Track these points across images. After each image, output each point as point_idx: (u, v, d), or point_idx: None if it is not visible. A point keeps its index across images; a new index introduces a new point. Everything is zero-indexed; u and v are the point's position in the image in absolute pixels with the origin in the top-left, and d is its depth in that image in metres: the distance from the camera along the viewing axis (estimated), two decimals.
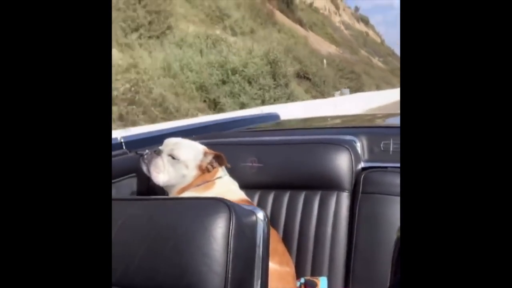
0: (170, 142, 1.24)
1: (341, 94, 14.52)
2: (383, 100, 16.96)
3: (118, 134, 1.51)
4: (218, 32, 14.38)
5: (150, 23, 10.70)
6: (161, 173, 1.17)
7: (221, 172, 1.29)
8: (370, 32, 54.98)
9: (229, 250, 0.74)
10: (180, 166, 1.18)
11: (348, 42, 37.32)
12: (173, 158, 1.18)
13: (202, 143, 1.39)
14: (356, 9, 56.85)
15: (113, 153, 1.39)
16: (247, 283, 0.79)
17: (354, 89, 18.19)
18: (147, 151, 1.34)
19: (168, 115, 8.13)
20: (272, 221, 1.33)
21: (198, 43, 11.20)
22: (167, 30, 11.03)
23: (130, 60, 8.70)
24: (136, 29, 10.27)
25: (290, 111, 7.75)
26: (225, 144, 1.44)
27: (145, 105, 7.74)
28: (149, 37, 10.45)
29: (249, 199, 1.29)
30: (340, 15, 46.09)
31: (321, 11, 36.93)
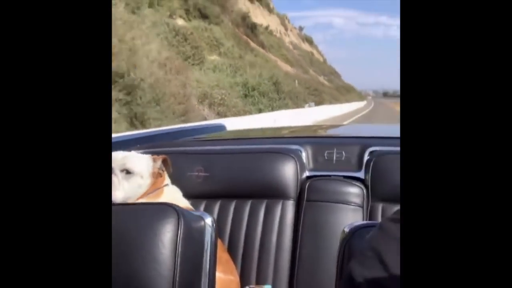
0: (116, 157, 1.17)
1: (309, 106, 19.88)
2: (339, 110, 23.18)
3: None
4: (217, 57, 19.14)
5: (193, 55, 15.03)
6: (117, 190, 1.13)
7: (167, 179, 1.24)
8: (314, 52, 61.03)
9: (177, 254, 0.73)
10: (135, 178, 1.14)
11: (299, 62, 42.02)
12: (127, 172, 1.14)
13: (148, 152, 1.35)
14: (301, 29, 61.31)
15: None
16: (195, 283, 0.78)
17: (318, 103, 23.68)
18: None
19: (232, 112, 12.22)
20: (218, 230, 1.26)
21: (223, 68, 15.96)
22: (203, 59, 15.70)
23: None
24: (186, 59, 14.03)
25: (282, 115, 11.85)
26: (171, 153, 1.38)
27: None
28: (193, 65, 14.30)
29: (193, 208, 1.24)
30: (288, 36, 47.87)
31: (274, 33, 42.24)
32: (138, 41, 8.94)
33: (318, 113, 16.55)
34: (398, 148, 1.08)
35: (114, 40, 7.43)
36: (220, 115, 11.44)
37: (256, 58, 22.74)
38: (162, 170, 1.20)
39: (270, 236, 1.25)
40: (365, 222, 0.68)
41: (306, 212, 1.24)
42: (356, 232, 0.70)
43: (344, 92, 46.04)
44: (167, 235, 0.74)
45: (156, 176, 1.19)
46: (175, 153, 1.38)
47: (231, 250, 1.26)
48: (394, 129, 1.77)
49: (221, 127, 2.20)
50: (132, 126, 7.40)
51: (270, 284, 1.22)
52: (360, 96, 56.05)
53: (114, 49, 7.24)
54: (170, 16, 16.66)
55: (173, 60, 12.13)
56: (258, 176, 1.29)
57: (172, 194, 1.22)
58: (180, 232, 0.74)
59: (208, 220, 0.83)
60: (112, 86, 7.87)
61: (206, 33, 19.29)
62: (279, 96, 15.98)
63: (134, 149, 1.38)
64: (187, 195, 1.27)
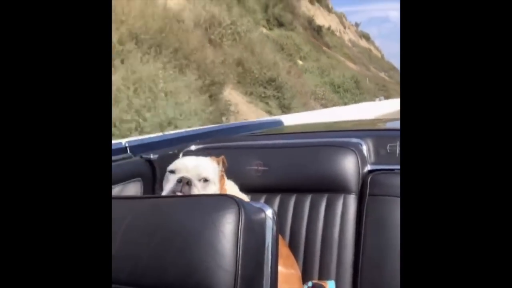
0: (188, 165, 1.11)
1: (380, 100, 23.54)
2: None
3: (123, 139, 1.43)
4: (300, 61, 23.02)
5: (289, 61, 17.34)
6: None
7: (225, 177, 1.19)
8: (372, 48, 62.23)
9: (238, 246, 0.70)
10: (211, 186, 1.11)
11: (360, 59, 44.33)
12: (205, 180, 1.10)
13: (207, 148, 1.34)
14: (357, 25, 58.51)
15: (118, 157, 1.32)
16: (256, 280, 0.75)
17: (386, 97, 25.07)
18: (152, 155, 1.31)
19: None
20: (278, 224, 1.18)
21: (313, 71, 19.01)
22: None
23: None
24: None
25: (362, 107, 15.03)
26: (229, 148, 1.35)
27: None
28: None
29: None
30: (347, 34, 46.62)
31: (335, 33, 44.94)
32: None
33: (388, 105, 19.91)
34: None
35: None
36: (323, 106, 14.79)
37: (330, 60, 26.07)
38: (223, 171, 1.16)
39: (332, 230, 1.19)
40: None
41: (369, 207, 1.18)
42: None
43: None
44: (227, 226, 0.71)
45: (221, 178, 1.15)
46: (234, 148, 1.35)
47: (293, 245, 1.20)
48: None
49: (279, 123, 2.12)
50: (283, 112, 10.79)
51: (333, 279, 1.15)
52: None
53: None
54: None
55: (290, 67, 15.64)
56: (318, 170, 1.23)
57: (234, 190, 1.18)
58: (241, 223, 0.71)
59: (269, 212, 0.79)
60: (268, 86, 11.24)
61: (288, 40, 23.03)
62: (359, 91, 19.72)
63: (195, 144, 1.41)
64: (246, 190, 1.23)
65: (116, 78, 5.64)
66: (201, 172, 1.10)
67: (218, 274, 0.70)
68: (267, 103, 11.39)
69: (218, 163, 1.16)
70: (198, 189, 1.08)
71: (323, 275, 1.18)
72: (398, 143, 1.30)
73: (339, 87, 17.99)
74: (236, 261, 0.71)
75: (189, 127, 4.66)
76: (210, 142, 1.44)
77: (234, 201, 0.74)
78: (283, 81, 12.07)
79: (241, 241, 0.71)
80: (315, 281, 1.16)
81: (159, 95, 6.08)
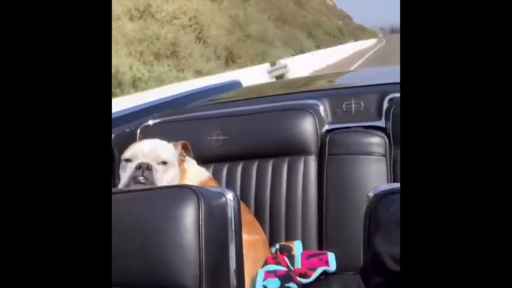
0: (142, 150, 1.07)
1: (351, 42, 29.11)
2: (367, 43, 34.14)
3: None
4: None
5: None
6: (164, 183, 1.05)
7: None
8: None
9: (200, 236, 0.70)
10: (170, 169, 1.08)
11: (323, 11, 52.92)
12: (164, 163, 1.07)
13: (165, 122, 1.33)
14: None
15: None
16: (222, 265, 0.75)
17: (355, 40, 32.85)
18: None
19: None
20: (242, 192, 1.25)
21: None
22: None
23: None
24: None
25: (348, 45, 23.87)
26: (188, 120, 1.35)
27: None
28: None
29: (214, 180, 1.20)
30: None
31: None
32: None
33: (359, 44, 28.46)
34: None
35: None
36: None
37: (312, 15, 36.39)
38: (184, 156, 1.14)
39: (296, 192, 1.22)
40: (389, 186, 0.64)
41: (329, 166, 1.21)
42: (380, 200, 0.63)
43: (361, 32, 51.19)
44: (188, 219, 0.70)
45: (180, 163, 1.12)
46: (193, 119, 1.34)
47: (258, 210, 1.23)
48: None
49: (236, 84, 2.12)
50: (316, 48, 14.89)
51: (300, 239, 1.19)
52: (373, 34, 63.18)
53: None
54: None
55: None
56: (278, 134, 1.25)
57: (194, 167, 1.17)
58: (201, 213, 0.71)
59: (229, 195, 0.79)
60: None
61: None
62: (342, 36, 30.23)
63: (152, 119, 1.37)
64: (208, 160, 1.25)
65: None
66: (160, 154, 1.08)
67: (183, 267, 0.70)
68: None
69: (176, 147, 1.13)
70: (159, 172, 1.05)
71: (290, 236, 1.21)
72: (353, 101, 1.33)
73: (330, 34, 28.25)
74: (200, 252, 0.70)
75: None
76: (168, 115, 1.42)
77: (192, 191, 0.73)
78: None
79: (203, 232, 0.71)
80: (283, 242, 1.19)
81: None
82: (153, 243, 0.71)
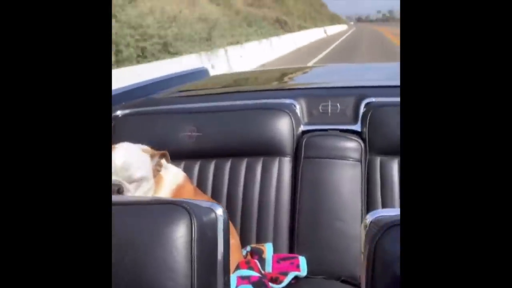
0: (115, 163, 0.98)
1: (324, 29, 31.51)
2: (339, 28, 38.34)
3: None
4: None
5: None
6: None
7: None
8: None
9: (193, 259, 0.67)
10: (143, 185, 1.01)
11: None
12: (135, 181, 0.99)
13: (135, 113, 1.26)
14: None
15: None
16: (212, 285, 0.72)
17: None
18: None
19: None
20: (214, 191, 1.21)
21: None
22: None
23: None
24: None
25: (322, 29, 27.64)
26: (161, 113, 1.29)
27: None
28: None
29: (189, 179, 1.15)
30: None
31: None
32: None
33: (329, 30, 30.30)
34: (395, 99, 1.15)
35: None
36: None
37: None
38: (160, 165, 1.06)
39: (268, 193, 1.20)
40: (389, 212, 0.60)
41: (304, 169, 1.19)
42: (388, 229, 0.58)
43: (336, 19, 55.24)
44: (180, 240, 0.67)
45: (155, 173, 1.05)
46: (165, 113, 1.29)
47: (230, 210, 1.19)
48: (388, 71, 1.85)
49: (203, 72, 2.06)
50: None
51: (271, 242, 1.17)
52: (345, 21, 71.28)
53: None
54: None
55: None
56: (253, 133, 1.22)
57: (171, 172, 1.11)
58: (194, 234, 0.67)
59: (219, 211, 0.76)
60: None
61: None
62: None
63: (120, 109, 1.30)
64: (181, 156, 1.20)
65: None
66: (132, 174, 0.99)
67: None
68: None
69: (153, 157, 1.05)
70: (131, 192, 0.98)
71: (261, 239, 1.18)
72: (329, 102, 1.30)
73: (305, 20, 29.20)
74: (192, 274, 0.66)
75: None
76: (137, 106, 1.35)
77: (185, 209, 0.68)
78: None
79: (195, 253, 0.67)
80: (254, 245, 1.16)
81: None
82: (142, 264, 0.65)
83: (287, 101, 1.32)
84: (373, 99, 1.27)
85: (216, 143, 1.24)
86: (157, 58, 7.27)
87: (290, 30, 19.10)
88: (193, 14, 10.75)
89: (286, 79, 2.07)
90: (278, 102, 1.31)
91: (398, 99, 1.30)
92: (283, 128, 1.22)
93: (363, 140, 1.21)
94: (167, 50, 7.77)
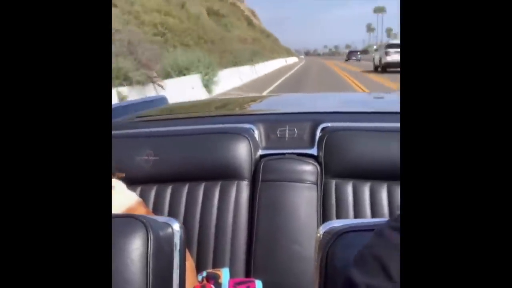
0: None
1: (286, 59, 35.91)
2: (293, 60, 43.74)
3: None
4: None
5: None
6: None
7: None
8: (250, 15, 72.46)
9: (148, 272, 0.68)
10: None
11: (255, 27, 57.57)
12: None
13: None
14: None
15: None
16: None
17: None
18: None
19: None
20: (170, 215, 1.18)
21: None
22: None
23: None
24: None
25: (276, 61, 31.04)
26: (118, 137, 1.26)
27: None
28: None
29: (143, 203, 1.13)
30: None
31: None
32: None
33: (289, 60, 36.58)
34: (349, 124, 1.24)
35: None
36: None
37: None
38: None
39: (226, 218, 1.19)
40: (341, 222, 0.65)
41: (262, 192, 1.19)
42: (339, 236, 0.63)
43: (287, 52, 58.53)
44: (136, 252, 0.68)
45: None
46: (122, 137, 1.27)
47: (186, 235, 1.11)
48: (340, 99, 2.02)
49: (162, 100, 2.05)
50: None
51: (227, 266, 1.15)
52: (296, 54, 77.03)
53: None
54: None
55: None
56: (211, 157, 1.22)
57: (121, 190, 1.09)
58: (150, 247, 0.68)
59: (176, 226, 0.77)
60: None
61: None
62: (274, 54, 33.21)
63: None
64: (137, 181, 1.18)
65: None
66: None
67: None
68: None
69: None
70: None
71: (218, 263, 1.16)
72: (287, 127, 1.33)
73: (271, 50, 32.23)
74: (147, 287, 0.68)
75: None
76: None
77: (141, 222, 0.69)
78: None
79: (150, 266, 0.68)
80: (210, 270, 1.14)
81: None
82: None
83: (246, 125, 1.33)
84: (328, 124, 1.31)
85: (174, 167, 1.23)
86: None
87: (265, 59, 25.85)
88: None
89: (245, 105, 2.12)
90: (237, 126, 1.32)
91: (353, 124, 1.33)
92: (241, 152, 1.23)
93: (319, 163, 1.24)
94: None
